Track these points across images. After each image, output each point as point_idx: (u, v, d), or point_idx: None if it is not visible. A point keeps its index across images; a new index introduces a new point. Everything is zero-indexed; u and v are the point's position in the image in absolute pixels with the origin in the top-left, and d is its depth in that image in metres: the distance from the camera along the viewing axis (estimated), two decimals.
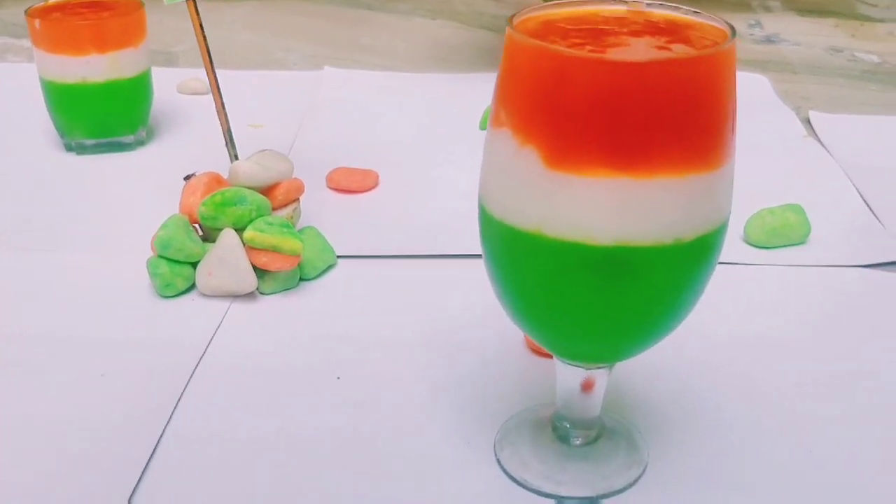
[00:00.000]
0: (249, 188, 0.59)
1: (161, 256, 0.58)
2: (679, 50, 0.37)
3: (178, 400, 0.50)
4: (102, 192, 0.73)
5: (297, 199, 0.62)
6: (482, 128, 0.84)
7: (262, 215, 0.59)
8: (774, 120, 0.87)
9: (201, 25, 0.58)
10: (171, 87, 0.92)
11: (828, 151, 0.79)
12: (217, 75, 0.60)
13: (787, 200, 0.67)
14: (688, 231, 0.37)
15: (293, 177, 0.63)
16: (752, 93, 0.92)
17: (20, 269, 0.62)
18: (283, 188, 0.61)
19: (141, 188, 0.73)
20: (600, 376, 0.44)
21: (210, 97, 0.63)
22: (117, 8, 0.75)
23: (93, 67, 0.74)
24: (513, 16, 0.39)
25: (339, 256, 0.63)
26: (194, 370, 0.52)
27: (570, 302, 0.38)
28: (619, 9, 0.41)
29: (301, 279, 0.61)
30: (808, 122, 0.86)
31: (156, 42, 0.87)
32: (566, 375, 0.44)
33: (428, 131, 0.84)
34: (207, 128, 0.74)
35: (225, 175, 0.62)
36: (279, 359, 0.53)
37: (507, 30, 0.37)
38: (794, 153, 0.79)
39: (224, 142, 0.61)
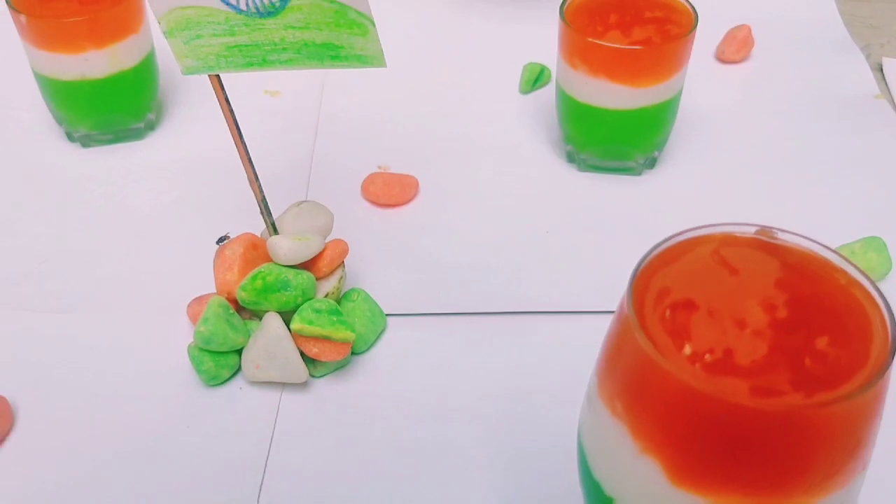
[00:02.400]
0: (291, 266, 0.54)
1: (203, 350, 0.54)
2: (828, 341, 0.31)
3: None
4: (115, 204, 0.67)
5: (342, 264, 0.57)
6: (524, 91, 0.76)
7: (308, 298, 0.54)
8: (840, 68, 0.78)
9: (227, 99, 0.50)
10: None
11: None
12: (245, 142, 0.53)
13: (861, 220, 0.62)
14: None
15: (335, 237, 0.57)
16: (811, 20, 0.83)
17: (34, 334, 0.58)
18: (326, 258, 0.56)
19: (157, 195, 0.67)
20: None
21: None
22: None
23: (91, 64, 0.66)
24: (634, 279, 0.33)
25: (387, 315, 0.59)
26: (262, 480, 0.50)
27: None
28: (747, 234, 0.35)
29: (352, 352, 0.57)
30: (879, 70, 0.78)
31: None
32: None
33: (462, 97, 0.76)
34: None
35: (258, 232, 0.57)
36: (339, 461, 0.51)
37: (626, 309, 0.32)
38: (865, 128, 0.72)
39: (259, 210, 0.55)
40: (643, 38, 0.62)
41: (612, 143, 0.66)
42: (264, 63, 0.47)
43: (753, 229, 0.35)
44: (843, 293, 0.33)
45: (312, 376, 0.56)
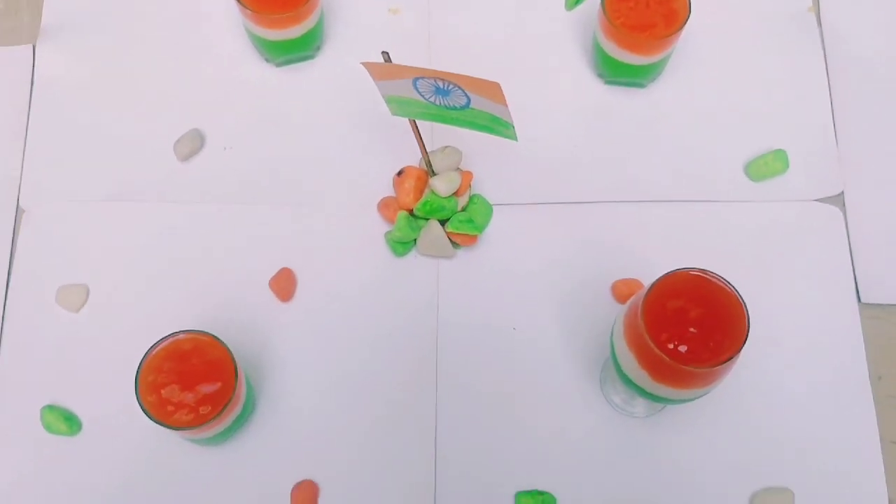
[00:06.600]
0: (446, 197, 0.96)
1: (397, 242, 0.97)
2: None
3: (437, 349, 0.95)
4: (307, 118, 1.04)
5: (470, 185, 0.98)
6: (568, 8, 1.10)
7: (454, 212, 0.96)
8: None
9: (417, 128, 0.88)
10: None
11: (822, 43, 1.07)
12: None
13: (775, 133, 1.02)
14: None
15: (463, 168, 0.97)
16: None
17: (289, 223, 1.00)
18: (463, 186, 0.96)
19: (333, 112, 1.04)
20: None
21: None
22: None
23: (291, 32, 0.99)
24: (645, 299, 0.77)
25: (492, 204, 1.00)
26: (438, 314, 0.96)
27: None
28: (694, 272, 0.78)
29: None
30: None
31: None
32: None
33: (524, 12, 1.09)
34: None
35: (415, 163, 0.97)
36: (477, 299, 0.97)
37: (639, 312, 0.76)
38: (790, 44, 1.07)
39: (425, 163, 0.95)
40: (651, 22, 0.96)
41: (629, 77, 1.04)
42: (445, 121, 0.85)
43: (699, 270, 0.77)
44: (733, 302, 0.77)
45: (455, 251, 0.99)
